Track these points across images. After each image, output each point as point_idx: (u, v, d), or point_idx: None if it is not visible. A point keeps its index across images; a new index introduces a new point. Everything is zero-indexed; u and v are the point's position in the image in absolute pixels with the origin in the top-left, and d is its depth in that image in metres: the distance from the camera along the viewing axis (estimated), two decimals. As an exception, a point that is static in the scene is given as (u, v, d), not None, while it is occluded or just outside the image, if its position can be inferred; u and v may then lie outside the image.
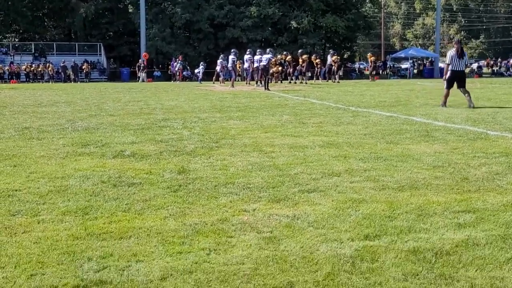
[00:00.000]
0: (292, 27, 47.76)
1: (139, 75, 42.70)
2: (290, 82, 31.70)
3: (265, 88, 23.54)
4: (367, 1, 58.83)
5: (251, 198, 5.07)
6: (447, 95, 14.42)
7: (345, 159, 6.89)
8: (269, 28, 49.52)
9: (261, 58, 25.29)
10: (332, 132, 9.41)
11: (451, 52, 14.53)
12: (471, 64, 66.52)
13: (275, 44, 47.89)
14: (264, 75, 24.75)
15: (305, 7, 49.70)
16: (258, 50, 27.66)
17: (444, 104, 14.34)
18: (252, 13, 47.16)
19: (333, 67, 33.91)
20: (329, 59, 35.37)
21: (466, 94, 14.30)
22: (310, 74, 33.70)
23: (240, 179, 5.80)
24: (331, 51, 36.63)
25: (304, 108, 14.26)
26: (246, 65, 29.70)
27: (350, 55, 58.16)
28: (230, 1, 48.66)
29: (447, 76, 14.44)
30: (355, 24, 51.49)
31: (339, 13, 50.59)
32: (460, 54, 14.32)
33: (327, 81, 33.74)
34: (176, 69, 42.16)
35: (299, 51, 33.35)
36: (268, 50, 27.71)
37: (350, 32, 52.03)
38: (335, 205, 4.79)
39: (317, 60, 34.62)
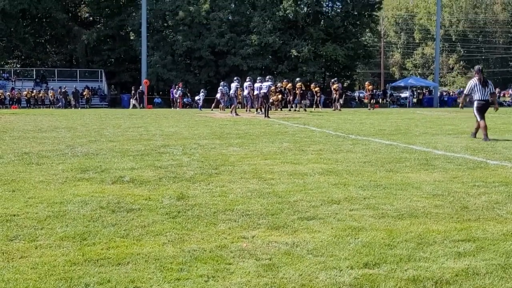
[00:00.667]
0: (293, 55, 48.11)
1: (132, 101, 42.76)
2: (290, 110, 31.81)
3: (265, 116, 23.61)
4: (367, 30, 59.32)
5: (250, 225, 5.05)
6: (485, 127, 13.36)
7: (345, 186, 6.87)
8: (270, 56, 49.89)
9: (261, 85, 25.40)
10: (332, 159, 9.41)
11: (473, 81, 13.78)
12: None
13: (275, 72, 48.20)
14: (264, 102, 24.84)
15: (305, 35, 50.15)
16: (258, 78, 27.80)
17: (486, 136, 13.14)
18: (253, 41, 47.56)
19: (335, 95, 34.04)
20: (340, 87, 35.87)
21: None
22: (309, 102, 33.82)
23: (239, 206, 5.79)
24: (334, 80, 36.77)
25: (304, 135, 14.28)
26: (245, 92, 29.81)
27: (349, 83, 58.50)
28: (231, 29, 49.10)
29: (474, 108, 13.66)
30: (355, 53, 51.90)
31: (339, 42, 51.02)
32: (484, 83, 13.60)
33: (340, 109, 33.78)
34: (177, 96, 42.33)
35: (296, 79, 33.48)
36: (268, 77, 27.86)
37: (350, 61, 52.41)
38: (335, 233, 4.77)
39: (317, 88, 34.78)
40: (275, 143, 12.22)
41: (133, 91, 42.95)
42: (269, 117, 23.27)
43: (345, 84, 54.54)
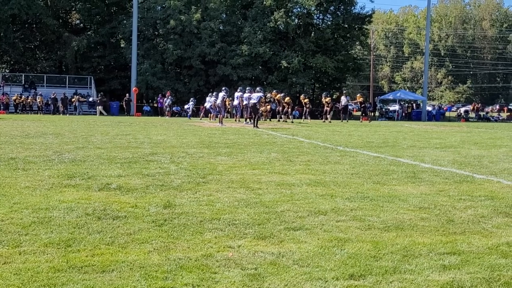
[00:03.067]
0: (283, 66, 48.25)
1: (98, 108, 42.76)
2: (278, 121, 31.85)
3: (254, 126, 23.62)
4: (356, 43, 59.69)
5: (236, 234, 5.04)
6: None
7: (332, 198, 6.88)
8: (260, 67, 50.03)
9: (250, 96, 25.43)
10: (320, 171, 9.43)
11: None
12: (457, 108, 67.42)
13: (265, 83, 48.33)
14: (253, 113, 24.85)
15: (295, 47, 50.34)
16: (247, 88, 27.87)
17: None
18: (243, 51, 47.67)
19: (326, 108, 34.05)
20: (344, 100, 35.76)
21: None
22: (298, 113, 33.95)
23: (226, 215, 5.78)
24: (325, 93, 36.80)
25: (292, 146, 14.29)
26: (236, 102, 29.81)
27: (339, 95, 58.76)
28: (222, 39, 49.20)
29: None
30: (345, 65, 52.16)
31: (329, 54, 51.26)
32: None
33: (342, 121, 33.73)
34: (166, 104, 42.28)
35: (281, 94, 33.37)
36: (258, 88, 27.91)
37: (340, 73, 52.65)
38: (321, 244, 4.77)
39: (306, 100, 34.87)
40: (263, 153, 12.22)
41: (99, 97, 42.81)
42: (258, 127, 23.28)
43: (334, 96, 54.77)
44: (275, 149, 13.20)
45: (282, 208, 6.20)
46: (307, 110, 34.60)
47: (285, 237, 4.99)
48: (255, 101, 24.59)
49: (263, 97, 27.93)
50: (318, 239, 4.94)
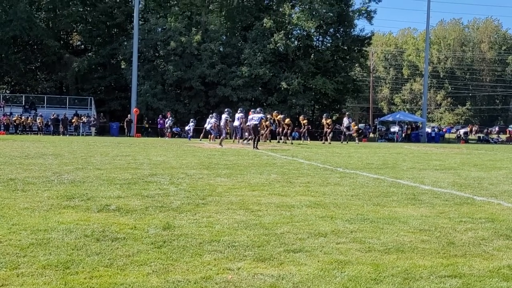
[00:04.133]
0: (282, 88, 48.43)
1: (90, 130, 43.12)
2: (278, 142, 31.87)
3: (254, 147, 23.62)
4: (356, 65, 60.00)
5: (236, 256, 5.01)
6: None
7: (332, 219, 6.85)
8: (260, 88, 50.22)
9: (252, 117, 25.47)
10: (319, 192, 9.40)
11: None
12: (457, 130, 67.51)
13: (265, 104, 48.49)
14: (254, 134, 24.87)
15: (295, 68, 50.59)
16: (252, 110, 28.14)
17: None
18: (243, 72, 47.89)
19: (327, 129, 34.02)
20: (346, 121, 35.68)
21: None
22: (297, 135, 34.02)
23: (225, 237, 5.75)
24: (326, 115, 36.82)
25: (292, 167, 14.28)
26: (237, 123, 29.88)
27: (338, 117, 58.89)
28: (222, 61, 49.45)
29: None
30: (344, 87, 52.38)
31: (329, 75, 51.50)
32: None
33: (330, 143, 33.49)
34: (166, 125, 42.36)
35: (282, 115, 33.46)
36: (258, 109, 27.99)
37: (339, 95, 52.85)
38: (321, 266, 4.74)
39: (305, 121, 34.94)
40: (263, 174, 12.20)
41: (93, 119, 43.04)
42: (257, 148, 23.29)
43: (334, 118, 54.89)
44: (275, 171, 13.18)
45: (282, 230, 6.17)
46: (305, 131, 34.66)
47: (285, 259, 4.96)
48: (256, 122, 24.63)
49: (264, 118, 27.97)
50: (318, 261, 4.91)
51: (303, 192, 9.41)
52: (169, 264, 4.69)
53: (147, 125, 44.04)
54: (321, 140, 34.90)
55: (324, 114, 37.39)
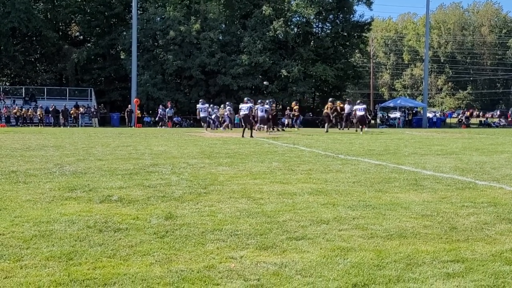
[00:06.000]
0: (283, 75, 48.36)
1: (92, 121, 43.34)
2: (278, 130, 31.84)
3: (243, 136, 23.56)
4: (356, 51, 59.83)
5: (238, 245, 5.01)
6: None
7: (334, 206, 6.86)
8: (260, 76, 50.15)
9: (241, 107, 25.49)
10: (321, 179, 9.40)
11: None
12: (458, 114, 67.45)
13: (265, 92, 48.41)
14: (245, 123, 24.80)
15: (295, 56, 50.49)
16: (259, 100, 28.37)
17: None
18: (243, 61, 47.80)
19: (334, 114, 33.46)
20: (347, 108, 35.29)
21: None
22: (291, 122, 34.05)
23: (227, 225, 5.75)
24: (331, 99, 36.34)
25: (293, 155, 14.28)
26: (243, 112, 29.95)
27: (341, 103, 58.82)
28: (222, 49, 49.35)
29: None
30: (345, 73, 52.29)
31: (329, 62, 51.40)
32: None
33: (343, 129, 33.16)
34: (169, 115, 42.33)
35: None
36: (246, 99, 27.87)
37: (340, 81, 52.77)
38: (323, 253, 4.75)
39: (296, 107, 34.94)
40: (265, 162, 12.20)
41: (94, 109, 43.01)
42: (252, 136, 23.26)
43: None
44: (276, 158, 13.18)
45: (284, 217, 6.18)
46: (296, 118, 34.59)
47: (288, 247, 4.97)
48: (246, 112, 24.59)
49: (253, 108, 27.81)
50: (320, 248, 4.91)
51: (304, 179, 9.41)
52: (172, 254, 4.70)
53: (140, 115, 43.77)
54: (322, 127, 34.53)
55: (332, 99, 36.17)
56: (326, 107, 33.20)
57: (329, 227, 5.75)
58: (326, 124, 31.33)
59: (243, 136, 23.39)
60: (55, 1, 54.69)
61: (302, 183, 8.90)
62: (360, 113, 29.37)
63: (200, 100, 34.28)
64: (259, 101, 28.95)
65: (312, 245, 5.03)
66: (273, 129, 31.02)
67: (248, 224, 5.85)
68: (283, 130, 31.38)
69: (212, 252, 4.76)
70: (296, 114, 34.66)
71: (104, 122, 46.62)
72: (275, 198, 7.43)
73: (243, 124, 25.14)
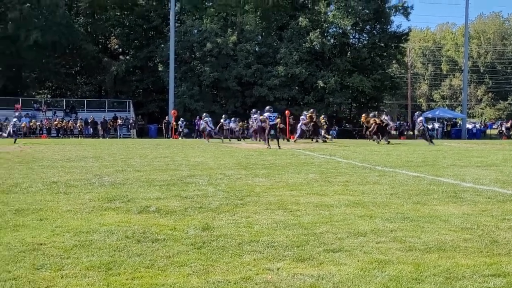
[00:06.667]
0: (319, 87, 48.26)
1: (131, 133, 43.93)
2: (313, 140, 31.69)
3: (267, 146, 23.72)
4: (393, 61, 59.33)
5: (275, 256, 5.01)
6: None
7: (371, 219, 6.80)
8: (296, 87, 50.16)
9: (255, 117, 25.67)
10: (358, 191, 9.34)
11: None
12: (500, 125, 66.11)
13: (301, 103, 48.40)
14: (260, 133, 24.96)
15: (332, 67, 50.36)
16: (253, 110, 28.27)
17: None
18: (279, 72, 47.89)
19: (371, 127, 33.05)
20: (385, 118, 34.92)
21: None
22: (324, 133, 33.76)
23: (264, 237, 5.75)
24: (374, 113, 35.89)
25: (330, 166, 14.21)
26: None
27: (378, 115, 58.40)
28: (258, 61, 49.54)
29: None
30: (382, 84, 51.88)
31: (366, 73, 51.10)
32: None
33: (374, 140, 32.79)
34: (209, 129, 42.57)
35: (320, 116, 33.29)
36: (253, 110, 27.75)
37: (377, 92, 52.39)
38: (361, 266, 4.71)
39: (323, 120, 34.62)
40: (301, 174, 12.18)
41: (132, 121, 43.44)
42: (269, 146, 23.35)
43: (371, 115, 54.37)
44: (313, 170, 13.14)
45: (321, 229, 6.15)
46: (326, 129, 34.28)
47: (325, 259, 4.94)
48: (259, 123, 24.92)
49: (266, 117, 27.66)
50: (358, 261, 4.88)
51: (341, 191, 9.36)
52: (209, 265, 4.72)
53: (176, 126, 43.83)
54: (368, 138, 34.06)
55: (372, 113, 35.80)
56: (368, 120, 32.90)
57: (367, 239, 5.70)
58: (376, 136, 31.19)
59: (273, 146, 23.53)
60: (95, 15, 55.79)
61: (339, 195, 8.85)
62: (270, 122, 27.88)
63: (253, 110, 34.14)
64: (253, 110, 28.88)
65: (349, 257, 5.00)
66: (313, 140, 30.98)
67: (285, 235, 5.84)
68: (324, 141, 31.18)
69: (249, 264, 4.77)
70: (324, 126, 34.35)
71: (142, 133, 47.18)
72: (312, 210, 7.40)
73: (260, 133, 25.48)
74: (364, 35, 54.71)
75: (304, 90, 50.27)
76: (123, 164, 14.43)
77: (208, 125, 32.81)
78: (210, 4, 53.46)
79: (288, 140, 32.34)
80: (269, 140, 24.36)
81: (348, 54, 53.09)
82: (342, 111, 53.86)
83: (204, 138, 33.21)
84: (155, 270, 4.55)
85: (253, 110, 32.48)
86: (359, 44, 54.62)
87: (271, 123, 24.62)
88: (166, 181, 10.54)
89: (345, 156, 18.23)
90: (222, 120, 37.09)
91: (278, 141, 24.49)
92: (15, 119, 29.69)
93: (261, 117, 25.51)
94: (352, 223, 6.51)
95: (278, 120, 27.64)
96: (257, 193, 9.04)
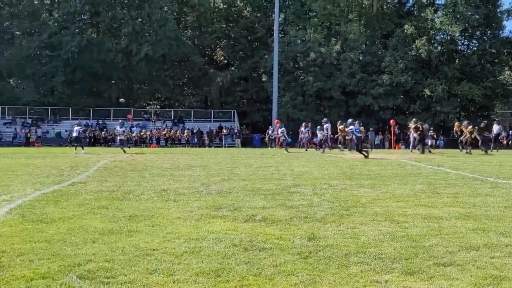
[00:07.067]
0: (425, 95, 46.97)
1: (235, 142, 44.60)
2: (423, 152, 30.68)
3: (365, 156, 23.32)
4: (505, 68, 56.62)
5: (383, 268, 4.92)
6: None
7: (484, 232, 6.52)
8: (401, 96, 49.08)
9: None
10: (469, 203, 8.98)
11: None
12: None
13: (407, 112, 47.31)
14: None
15: (439, 74, 48.90)
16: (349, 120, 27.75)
17: None
18: (384, 81, 47.11)
19: (468, 138, 31.58)
20: (496, 128, 33.40)
21: None
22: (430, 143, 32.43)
23: (371, 248, 5.67)
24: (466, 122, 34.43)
25: (438, 177, 13.77)
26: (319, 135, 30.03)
27: (487, 124, 55.88)
28: (362, 69, 49.01)
29: None
30: (493, 92, 49.66)
31: (475, 81, 49.16)
32: None
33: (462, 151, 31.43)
34: (306, 136, 42.57)
35: (418, 123, 31.92)
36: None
37: (487, 100, 50.21)
38: (474, 281, 4.53)
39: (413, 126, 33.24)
40: (408, 185, 11.89)
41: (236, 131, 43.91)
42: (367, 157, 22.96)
43: (481, 125, 52.12)
44: (420, 181, 12.79)
45: (430, 242, 5.98)
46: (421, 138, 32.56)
47: (435, 273, 4.80)
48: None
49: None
50: (470, 276, 4.70)
51: (451, 203, 9.05)
52: (316, 275, 4.72)
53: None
54: (461, 148, 32.26)
55: (465, 122, 34.17)
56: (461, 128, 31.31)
57: (480, 253, 5.48)
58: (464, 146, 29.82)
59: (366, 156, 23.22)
60: (202, 28, 57.49)
61: (448, 207, 8.57)
62: (357, 135, 26.20)
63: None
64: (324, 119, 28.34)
65: (461, 272, 4.82)
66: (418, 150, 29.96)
67: (393, 247, 5.73)
68: (430, 151, 30.12)
69: (356, 275, 4.72)
70: (416, 133, 32.96)
71: (246, 143, 47.93)
72: (420, 222, 7.21)
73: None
74: (474, 41, 52.66)
75: (410, 99, 49.09)
76: (229, 173, 14.73)
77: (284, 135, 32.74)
78: (314, 14, 53.55)
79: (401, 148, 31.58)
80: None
81: (457, 61, 51.30)
82: (450, 120, 51.93)
83: (280, 147, 32.96)
84: (263, 279, 4.61)
85: (325, 119, 31.96)
86: (468, 50, 52.65)
87: (358, 134, 24.47)
88: (271, 191, 10.65)
89: (454, 167, 17.59)
90: (302, 129, 37.06)
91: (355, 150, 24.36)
92: (77, 127, 30.80)
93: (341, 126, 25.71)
94: (463, 236, 6.28)
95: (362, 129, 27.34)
96: (362, 203, 8.93)
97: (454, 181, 12.91)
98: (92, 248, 5.62)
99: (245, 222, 7.20)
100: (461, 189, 11.16)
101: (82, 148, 28.25)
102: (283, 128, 33.69)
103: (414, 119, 32.57)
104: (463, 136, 30.31)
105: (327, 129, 32.36)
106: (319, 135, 32.66)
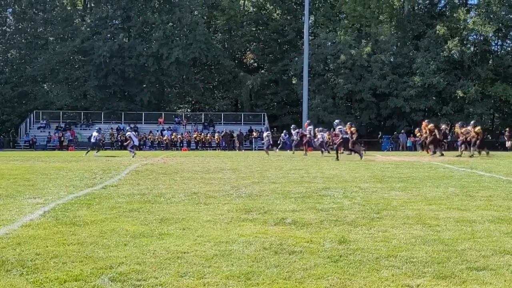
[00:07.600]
0: (458, 96, 46.38)
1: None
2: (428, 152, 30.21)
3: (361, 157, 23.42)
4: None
5: (414, 273, 4.87)
6: None
7: (519, 236, 6.40)
8: (433, 98, 48.59)
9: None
10: (503, 206, 8.83)
11: None
12: None
13: (439, 114, 46.80)
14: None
15: (472, 75, 48.27)
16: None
17: None
18: (416, 82, 46.67)
19: (474, 139, 30.19)
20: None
21: None
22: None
23: (402, 252, 5.62)
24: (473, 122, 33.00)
25: (471, 180, 13.56)
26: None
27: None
28: (393, 71, 48.64)
29: None
30: (529, 93, 48.82)
31: (510, 81, 48.35)
32: None
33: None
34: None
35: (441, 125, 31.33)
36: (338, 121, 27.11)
37: (522, 102, 49.39)
38: (508, 286, 4.45)
39: (352, 129, 32.38)
40: (440, 187, 11.74)
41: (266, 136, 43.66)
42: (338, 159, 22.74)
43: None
44: (453, 184, 12.62)
45: (463, 246, 5.89)
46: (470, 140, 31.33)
47: (468, 277, 4.73)
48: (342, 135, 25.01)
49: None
50: (504, 281, 4.62)
51: (484, 206, 8.90)
52: (346, 279, 4.69)
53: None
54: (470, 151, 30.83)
55: (472, 122, 32.83)
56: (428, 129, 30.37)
57: (514, 258, 5.38)
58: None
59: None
60: (232, 31, 57.80)
61: (482, 210, 8.43)
62: (343, 136, 25.37)
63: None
64: (336, 121, 27.91)
65: (495, 276, 4.74)
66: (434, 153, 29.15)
67: (424, 251, 5.67)
68: (442, 154, 29.30)
69: (387, 279, 4.68)
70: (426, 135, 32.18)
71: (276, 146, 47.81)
72: (452, 225, 7.11)
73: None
74: (508, 41, 51.89)
75: (442, 101, 48.56)
76: (259, 176, 14.73)
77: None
78: (344, 16, 53.39)
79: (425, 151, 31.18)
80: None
81: (490, 62, 50.59)
82: (484, 122, 51.21)
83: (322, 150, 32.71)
84: (293, 282, 4.60)
85: (337, 120, 31.13)
86: (502, 51, 51.88)
87: (345, 136, 24.82)
88: (302, 194, 10.62)
89: (488, 169, 17.32)
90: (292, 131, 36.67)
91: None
92: (95, 133, 31.46)
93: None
94: (497, 240, 6.18)
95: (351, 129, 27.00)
96: (393, 206, 8.84)
97: (488, 184, 12.70)
98: (124, 251, 5.68)
99: (275, 225, 7.20)
100: (495, 192, 10.98)
101: (97, 151, 29.67)
102: (268, 132, 34.56)
103: (458, 123, 31.85)
104: (469, 137, 29.30)
105: (340, 130, 31.25)
106: (319, 136, 32.21)
